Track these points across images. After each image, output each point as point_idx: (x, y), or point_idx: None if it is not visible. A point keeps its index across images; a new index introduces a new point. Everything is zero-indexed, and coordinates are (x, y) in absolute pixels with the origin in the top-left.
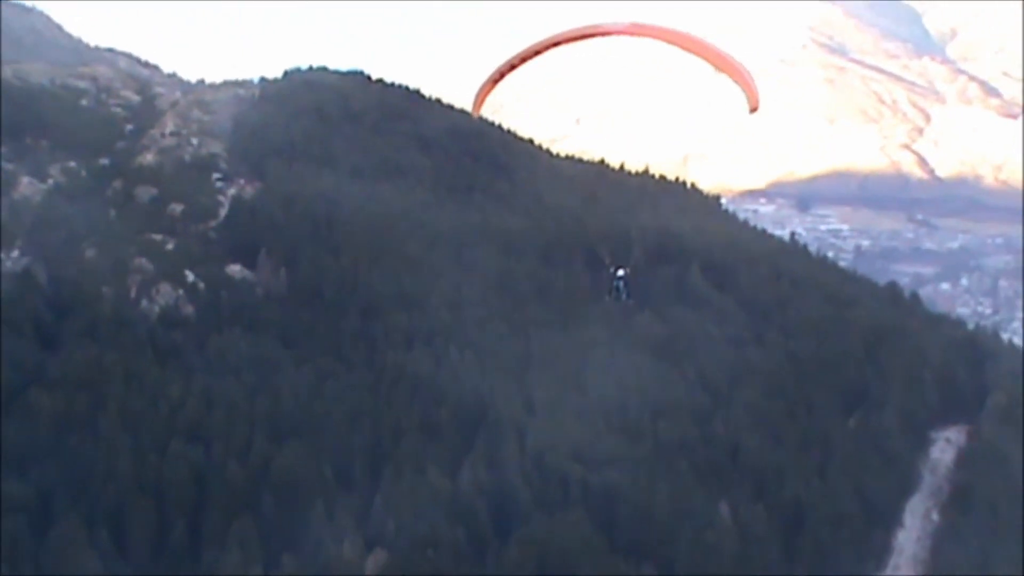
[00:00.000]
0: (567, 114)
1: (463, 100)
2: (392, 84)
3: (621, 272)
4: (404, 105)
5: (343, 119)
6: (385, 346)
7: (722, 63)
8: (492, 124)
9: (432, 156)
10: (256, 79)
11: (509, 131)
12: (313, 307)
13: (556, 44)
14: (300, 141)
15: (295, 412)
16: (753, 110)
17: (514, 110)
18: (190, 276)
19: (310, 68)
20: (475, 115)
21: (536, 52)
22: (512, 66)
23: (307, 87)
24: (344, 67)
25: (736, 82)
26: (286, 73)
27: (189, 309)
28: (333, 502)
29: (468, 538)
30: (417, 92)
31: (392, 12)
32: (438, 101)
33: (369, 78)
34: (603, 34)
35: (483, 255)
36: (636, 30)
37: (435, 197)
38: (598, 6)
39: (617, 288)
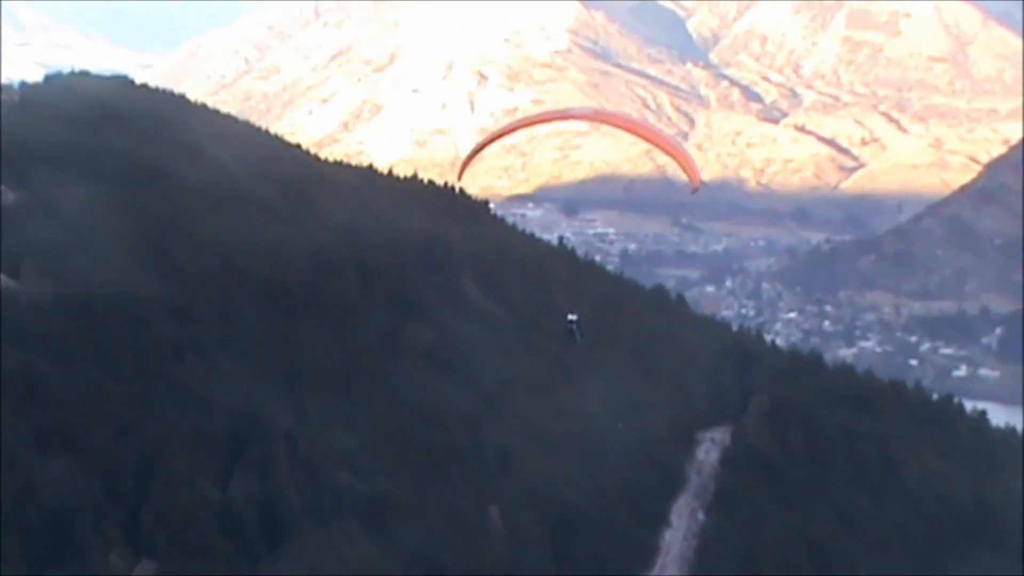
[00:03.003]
0: (334, 117)
1: (228, 105)
2: (156, 89)
3: (573, 316)
4: (169, 110)
5: (107, 125)
6: (154, 357)
7: (669, 148)
8: (259, 129)
9: (199, 163)
10: (16, 83)
11: (276, 136)
12: (80, 318)
13: (529, 125)
14: (63, 148)
15: (62, 425)
16: (694, 190)
17: (281, 114)
18: None
19: (72, 72)
20: (458, 182)
21: (512, 130)
22: (491, 140)
23: (69, 92)
24: (107, 71)
25: (680, 164)
26: (47, 78)
27: None
28: (101, 515)
29: (239, 549)
30: (182, 97)
31: (154, 15)
32: (203, 106)
33: (132, 83)
34: (571, 118)
35: (252, 264)
36: (598, 117)
37: (203, 205)
38: None
39: (571, 330)
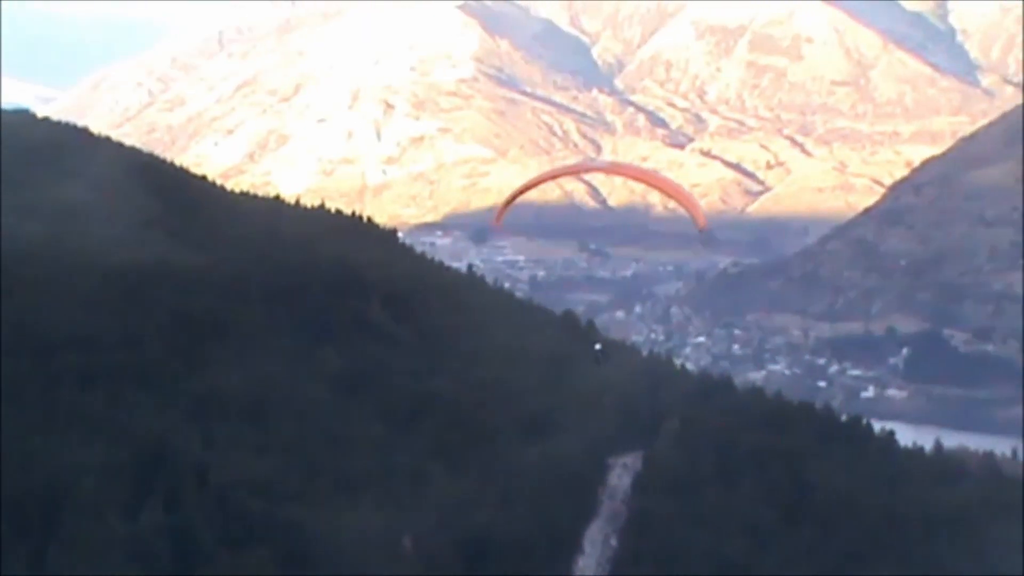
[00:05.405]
0: (240, 148)
1: (132, 138)
2: (60, 122)
3: (598, 346)
4: (73, 143)
5: (10, 158)
6: (60, 387)
7: (676, 193)
8: (164, 160)
9: (104, 193)
10: None
11: (182, 168)
12: None
13: (553, 177)
14: None
15: None
16: (701, 230)
17: (187, 145)
18: None
19: None
20: (496, 225)
21: (540, 182)
22: (521, 191)
23: None
24: (9, 105)
25: (687, 208)
26: None
27: None
28: (6, 550)
29: None
30: (86, 130)
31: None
32: (107, 139)
33: (35, 116)
34: (592, 170)
35: (160, 292)
36: (614, 169)
37: (110, 236)
38: None
39: (597, 359)
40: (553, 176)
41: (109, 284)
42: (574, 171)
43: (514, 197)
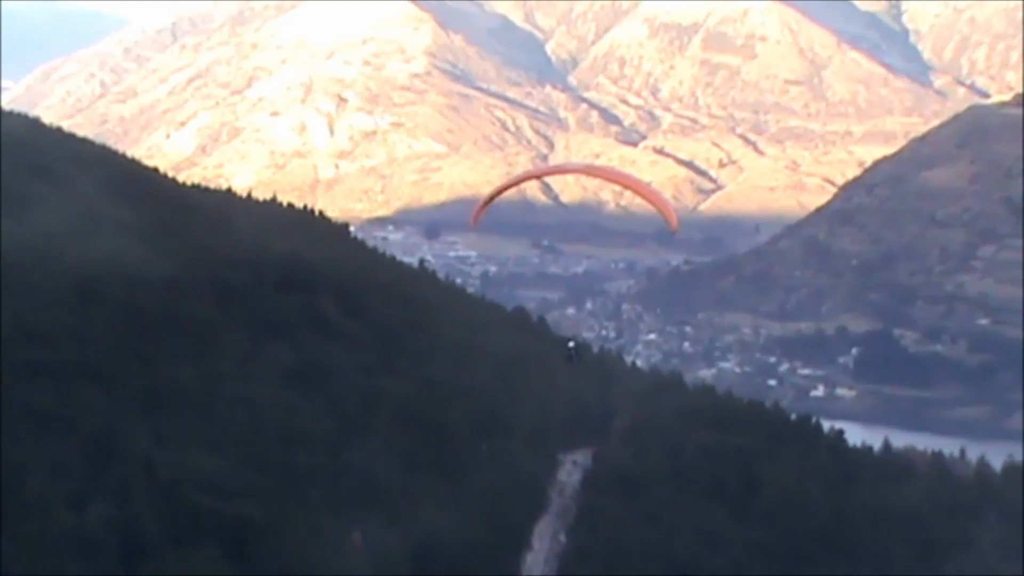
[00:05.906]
0: (192, 140)
1: (84, 129)
2: (10, 112)
3: (572, 344)
4: (23, 134)
5: None
6: (8, 381)
7: (650, 195)
8: (116, 153)
9: (54, 186)
10: None
11: (133, 159)
12: None
13: (530, 178)
14: None
15: None
16: (674, 232)
17: (139, 137)
18: None
19: None
20: (473, 225)
21: (518, 182)
22: (499, 191)
23: None
24: None
25: (660, 210)
26: None
27: None
28: None
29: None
30: (36, 120)
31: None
32: (58, 129)
33: None
34: (567, 172)
35: (110, 286)
36: (590, 171)
37: (60, 228)
38: None
39: (570, 357)
40: (529, 177)
41: (58, 277)
42: (552, 172)
43: (492, 198)
